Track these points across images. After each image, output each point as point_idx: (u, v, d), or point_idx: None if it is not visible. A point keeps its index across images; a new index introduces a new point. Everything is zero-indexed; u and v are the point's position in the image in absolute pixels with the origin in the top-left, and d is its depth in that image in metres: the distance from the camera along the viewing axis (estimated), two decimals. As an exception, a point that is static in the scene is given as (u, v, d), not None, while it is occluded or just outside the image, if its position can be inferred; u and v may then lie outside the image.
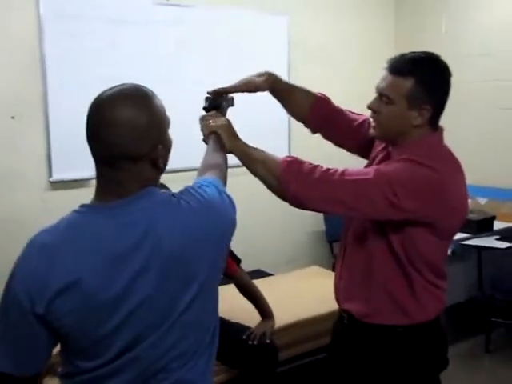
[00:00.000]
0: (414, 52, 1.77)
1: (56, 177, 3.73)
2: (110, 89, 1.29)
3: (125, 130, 1.22)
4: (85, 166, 3.49)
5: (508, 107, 4.43)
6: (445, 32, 4.84)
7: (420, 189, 1.66)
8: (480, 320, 4.20)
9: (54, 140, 3.69)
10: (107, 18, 3.80)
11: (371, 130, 1.84)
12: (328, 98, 2.07)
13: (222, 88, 1.91)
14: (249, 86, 1.93)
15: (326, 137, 2.12)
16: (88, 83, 3.64)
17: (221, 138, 1.76)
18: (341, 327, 1.99)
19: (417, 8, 5.12)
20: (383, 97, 1.75)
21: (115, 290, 1.20)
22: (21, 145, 3.63)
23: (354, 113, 2.10)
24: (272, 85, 1.97)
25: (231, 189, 1.47)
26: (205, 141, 1.80)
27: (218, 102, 1.90)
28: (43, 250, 1.22)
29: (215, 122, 1.80)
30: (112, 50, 3.82)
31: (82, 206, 1.28)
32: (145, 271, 1.21)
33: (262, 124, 4.01)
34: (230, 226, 1.38)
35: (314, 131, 2.11)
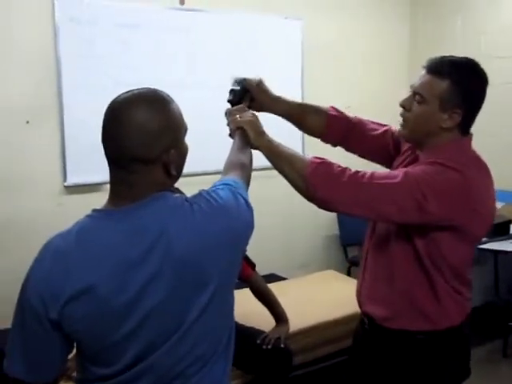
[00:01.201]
0: (455, 56, 1.75)
1: (70, 181, 3.75)
2: (129, 91, 1.29)
3: (135, 131, 1.22)
4: (99, 170, 3.50)
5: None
6: (460, 34, 4.81)
7: (448, 192, 1.64)
8: (497, 324, 4.15)
9: (69, 144, 3.71)
10: (121, 23, 3.82)
11: (399, 129, 1.83)
12: (340, 113, 2.06)
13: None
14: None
15: (346, 149, 2.12)
16: (102, 88, 3.67)
17: (247, 134, 1.75)
18: (362, 331, 1.97)
19: (432, 11, 5.09)
20: (417, 95, 1.74)
21: (128, 296, 1.20)
22: (35, 149, 3.66)
23: (374, 123, 2.09)
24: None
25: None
26: (231, 135, 1.79)
27: (243, 95, 1.88)
28: (56, 255, 1.22)
29: (242, 116, 1.78)
30: (126, 55, 3.84)
31: (94, 210, 1.28)
32: (157, 276, 1.21)
33: (275, 123, 4.01)
34: (245, 229, 1.36)
35: (333, 145, 2.12)
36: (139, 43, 3.89)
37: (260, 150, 1.77)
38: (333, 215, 4.69)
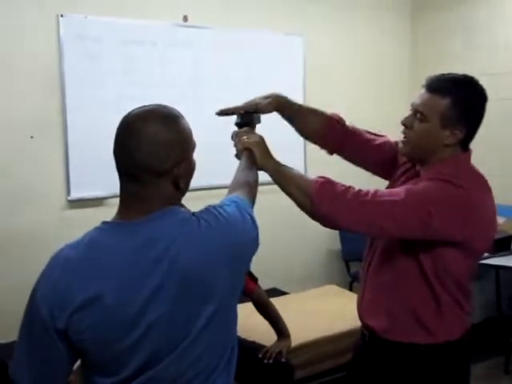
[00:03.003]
0: (454, 73, 1.78)
1: (74, 195, 3.77)
2: (141, 107, 1.33)
3: (150, 143, 1.26)
4: (102, 185, 3.58)
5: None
6: (460, 53, 4.85)
7: (451, 208, 1.66)
8: (499, 340, 4.14)
9: (73, 159, 3.74)
10: (126, 40, 3.86)
11: (400, 146, 1.85)
12: (340, 119, 2.07)
13: (227, 108, 1.93)
14: (251, 108, 1.93)
15: (344, 157, 2.13)
16: (106, 103, 3.71)
17: (253, 155, 1.78)
18: (362, 345, 1.98)
19: (433, 28, 5.13)
20: (418, 113, 1.76)
21: (135, 306, 1.21)
22: (39, 164, 3.69)
23: (372, 133, 2.10)
24: (277, 107, 1.98)
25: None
26: (237, 156, 1.82)
27: (249, 118, 1.92)
28: (66, 265, 1.24)
29: (249, 138, 1.82)
30: (130, 71, 3.88)
31: (104, 222, 1.30)
32: (163, 288, 1.22)
33: (278, 140, 4.03)
34: (249, 245, 1.38)
35: (330, 152, 2.13)
36: (143, 60, 3.93)
37: (266, 171, 1.80)
38: (335, 231, 4.70)
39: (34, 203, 3.67)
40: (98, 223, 1.31)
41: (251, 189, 1.58)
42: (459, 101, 1.71)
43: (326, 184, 1.75)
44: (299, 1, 4.65)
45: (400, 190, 1.72)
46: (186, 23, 4.12)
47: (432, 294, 1.76)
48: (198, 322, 1.26)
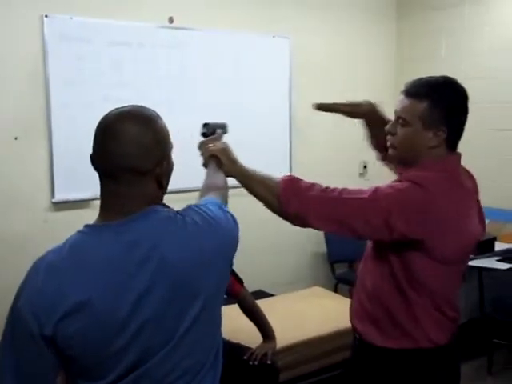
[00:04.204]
0: (432, 76, 1.80)
1: (58, 197, 3.75)
2: (118, 108, 1.33)
3: (131, 143, 1.26)
4: (87, 187, 3.56)
5: (508, 128, 4.47)
6: (444, 56, 4.89)
7: (411, 207, 1.67)
8: (482, 341, 4.17)
9: (57, 161, 3.72)
10: (111, 41, 3.85)
11: (389, 152, 1.87)
12: None
13: (327, 104, 2.05)
14: (352, 111, 2.06)
15: (388, 165, 2.15)
16: (91, 105, 3.69)
17: (220, 162, 1.81)
18: (354, 347, 2.00)
19: (418, 33, 5.18)
20: (400, 119, 1.78)
21: (123, 309, 1.21)
22: (24, 165, 3.66)
23: None
24: (369, 119, 2.06)
25: (231, 210, 1.49)
26: (205, 165, 1.85)
27: (215, 128, 1.96)
28: (50, 270, 1.22)
29: (215, 145, 1.86)
30: (115, 72, 3.87)
31: (86, 226, 1.29)
32: (150, 289, 1.22)
33: (264, 145, 4.06)
34: (233, 244, 1.40)
35: (380, 159, 2.16)
36: (128, 61, 3.92)
37: (233, 177, 1.83)
38: (320, 233, 4.72)
39: (18, 205, 3.64)
40: (83, 226, 1.30)
41: (222, 192, 1.61)
42: (437, 102, 1.73)
43: (292, 181, 1.78)
44: (285, 3, 4.66)
45: (368, 189, 1.74)
46: (171, 25, 4.12)
47: (405, 299, 1.77)
48: (186, 320, 1.26)
